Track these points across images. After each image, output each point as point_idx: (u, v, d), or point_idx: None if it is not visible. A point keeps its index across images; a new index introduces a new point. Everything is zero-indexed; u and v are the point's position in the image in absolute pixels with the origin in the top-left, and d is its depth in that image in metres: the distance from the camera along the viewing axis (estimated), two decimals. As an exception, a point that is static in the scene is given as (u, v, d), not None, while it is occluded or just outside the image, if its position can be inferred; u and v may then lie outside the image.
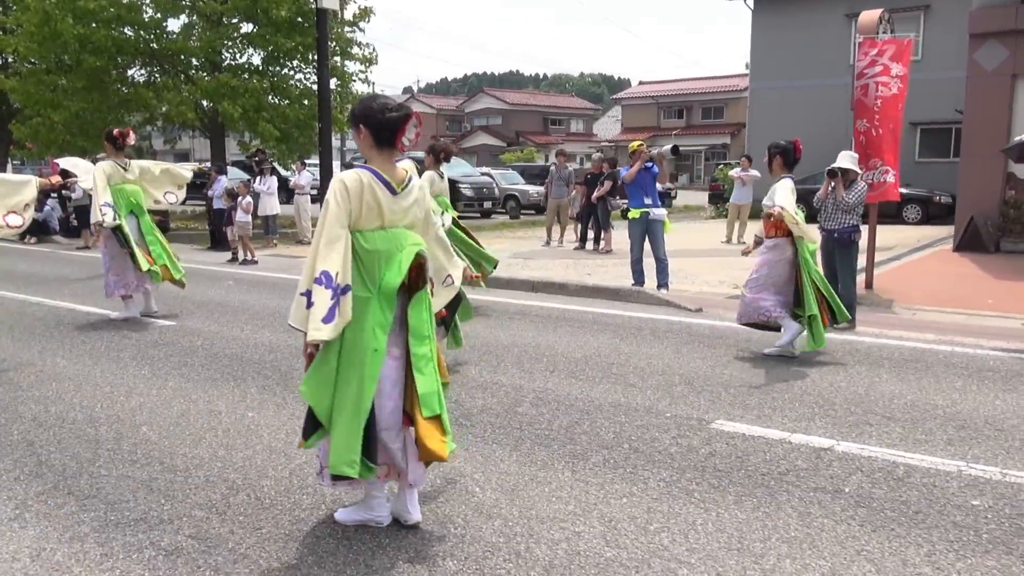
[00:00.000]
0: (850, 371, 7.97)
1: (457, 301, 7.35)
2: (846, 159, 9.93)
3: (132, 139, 10.20)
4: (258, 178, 19.44)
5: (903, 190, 26.64)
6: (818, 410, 6.68)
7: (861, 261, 11.54)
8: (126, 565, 4.05)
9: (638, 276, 12.54)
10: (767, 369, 8.05)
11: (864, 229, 10.55)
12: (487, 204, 30.45)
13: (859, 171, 9.97)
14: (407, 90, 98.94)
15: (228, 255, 17.21)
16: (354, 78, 25.69)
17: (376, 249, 4.13)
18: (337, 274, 3.94)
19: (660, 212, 12.35)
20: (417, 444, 4.21)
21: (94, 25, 22.91)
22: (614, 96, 76.41)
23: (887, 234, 21.03)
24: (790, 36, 30.69)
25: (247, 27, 25.12)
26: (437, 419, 4.21)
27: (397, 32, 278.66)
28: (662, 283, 12.28)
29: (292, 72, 26.00)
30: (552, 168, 21.02)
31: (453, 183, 28.75)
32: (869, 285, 12.55)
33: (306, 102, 24.60)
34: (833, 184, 9.79)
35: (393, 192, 4.16)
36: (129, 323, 10.15)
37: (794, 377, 7.73)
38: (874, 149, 11.79)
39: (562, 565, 4.06)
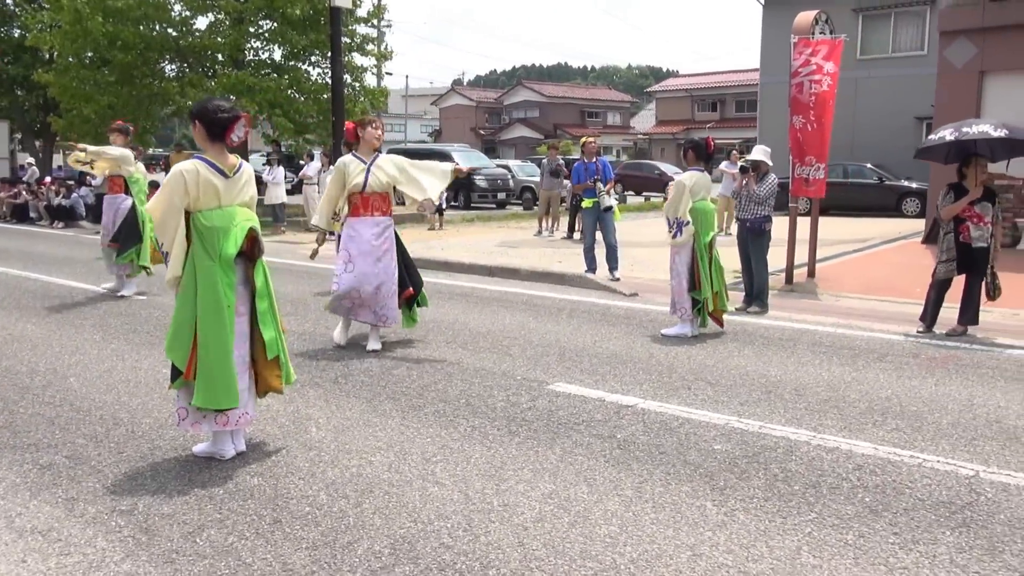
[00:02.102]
0: (718, 347, 8.90)
1: (420, 286, 8.67)
2: (759, 152, 10.86)
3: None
4: (267, 168, 20.61)
5: (904, 183, 27.43)
6: (655, 377, 7.63)
7: (803, 254, 12.82)
8: (3, 474, 5.20)
9: (590, 263, 13.56)
10: (644, 344, 9.00)
11: (810, 220, 11.37)
12: (500, 195, 31.41)
13: (770, 164, 10.83)
14: (456, 83, 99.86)
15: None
16: (369, 72, 26.60)
17: (214, 226, 5.21)
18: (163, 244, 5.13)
19: (610, 200, 13.36)
20: (258, 381, 5.42)
21: (123, 23, 24.41)
22: (648, 89, 76.86)
23: (873, 226, 21.79)
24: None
25: (268, 24, 26.39)
26: (276, 360, 5.42)
27: (444, 29, 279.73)
28: (612, 267, 13.29)
29: (309, 68, 27.15)
30: (544, 161, 21.92)
31: (468, 175, 29.99)
32: (811, 274, 13.41)
33: (325, 96, 25.56)
34: (746, 179, 10.66)
35: (225, 176, 5.27)
36: (118, 299, 11.40)
37: (661, 352, 8.68)
38: (809, 145, 12.63)
39: (340, 483, 5.07)
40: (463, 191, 30.62)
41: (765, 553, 4.25)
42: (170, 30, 25.68)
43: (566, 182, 20.65)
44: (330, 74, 22.87)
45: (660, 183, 41.82)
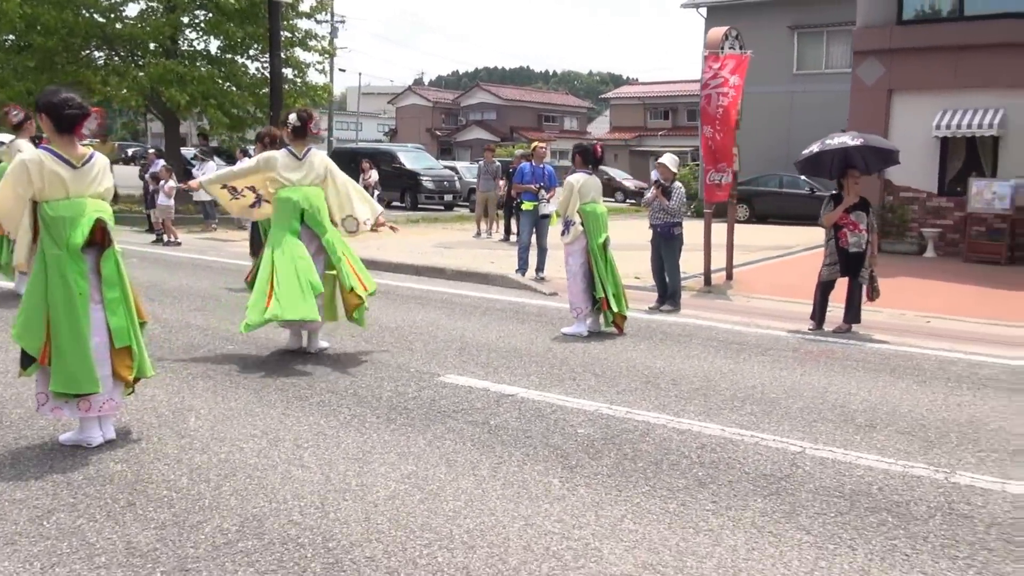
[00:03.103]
0: (615, 343, 9.41)
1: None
2: (667, 160, 11.41)
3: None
4: (197, 164, 20.55)
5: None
6: (546, 369, 8.11)
7: (720, 258, 13.53)
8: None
9: (522, 263, 14.07)
10: (546, 340, 9.49)
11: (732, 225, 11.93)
12: (448, 197, 31.82)
13: (675, 171, 11.39)
14: (417, 83, 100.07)
15: (164, 236, 18.54)
16: (312, 68, 26.71)
17: (60, 216, 5.40)
18: None
19: (549, 207, 13.90)
20: (112, 369, 5.66)
21: (43, 6, 23.23)
22: (602, 96, 77.51)
23: (800, 234, 22.39)
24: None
25: (203, 15, 26.02)
26: (127, 349, 5.65)
27: (408, 30, 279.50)
28: (539, 267, 13.81)
29: (248, 61, 27.01)
30: (480, 163, 22.33)
31: (414, 175, 30.47)
32: (729, 276, 14.02)
33: (264, 91, 25.18)
34: (657, 192, 11.21)
35: (73, 167, 5.31)
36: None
37: (559, 347, 9.18)
38: (720, 153, 13.20)
39: (205, 468, 5.37)
40: (409, 192, 30.98)
41: (592, 521, 4.73)
42: (97, 16, 24.80)
43: (501, 183, 21.01)
44: (269, 68, 22.74)
45: (610, 188, 42.48)
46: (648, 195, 11.45)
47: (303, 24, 26.42)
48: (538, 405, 6.88)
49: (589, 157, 9.89)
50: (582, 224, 9.55)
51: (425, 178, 30.98)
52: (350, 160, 27.91)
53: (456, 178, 32.48)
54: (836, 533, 4.63)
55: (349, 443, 5.89)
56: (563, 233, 9.68)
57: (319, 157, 8.24)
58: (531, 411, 6.71)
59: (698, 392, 7.37)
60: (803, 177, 28.38)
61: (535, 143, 15.97)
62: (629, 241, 18.99)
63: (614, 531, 4.57)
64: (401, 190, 30.98)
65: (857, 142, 10.14)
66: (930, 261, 17.90)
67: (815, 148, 10.41)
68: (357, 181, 21.71)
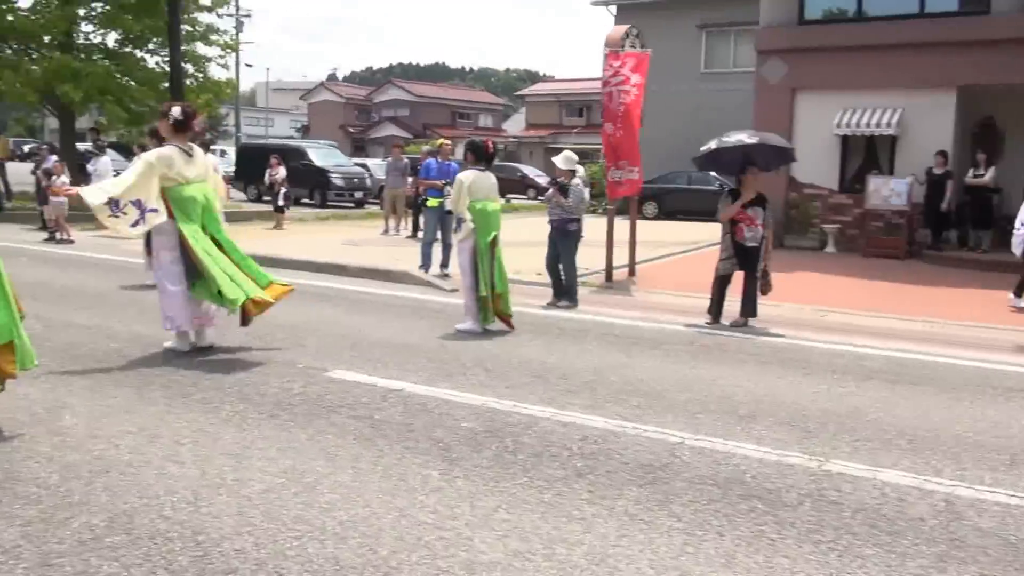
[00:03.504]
0: (510, 339, 9.46)
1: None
2: (562, 160, 11.48)
3: None
4: (91, 159, 20.05)
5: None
6: (437, 365, 8.08)
7: (622, 255, 13.56)
8: None
9: (426, 259, 14.02)
10: (441, 336, 9.48)
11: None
12: (358, 194, 31.61)
13: (574, 169, 11.46)
14: (331, 78, 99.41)
15: (57, 234, 18.11)
16: (213, 63, 26.23)
17: None
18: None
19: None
20: None
21: None
22: (518, 93, 77.74)
23: (708, 230, 22.49)
24: (649, 43, 32.44)
25: (100, 7, 25.31)
26: (9, 345, 5.56)
27: (323, 25, 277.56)
28: (443, 264, 13.79)
29: (147, 55, 26.38)
30: (389, 160, 22.22)
31: (324, 173, 30.22)
32: (632, 272, 14.13)
33: (164, 85, 24.52)
34: (555, 192, 11.26)
35: None
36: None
37: (453, 343, 9.21)
38: (621, 150, 13.31)
39: (78, 465, 5.26)
40: (319, 190, 30.70)
41: (466, 511, 4.73)
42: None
43: (410, 179, 20.95)
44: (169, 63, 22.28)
45: (522, 185, 42.64)
46: (549, 192, 11.49)
47: (204, 18, 25.97)
48: (424, 400, 6.86)
49: (481, 154, 9.88)
50: (472, 221, 9.50)
51: (335, 175, 30.73)
52: (258, 157, 27.64)
53: (367, 175, 32.25)
54: (706, 520, 4.69)
55: (228, 439, 5.81)
56: (455, 230, 9.65)
57: (200, 151, 8.10)
58: (417, 406, 6.69)
59: (587, 386, 7.41)
60: (712, 174, 28.78)
61: (441, 139, 15.97)
62: (540, 238, 19.06)
63: (487, 521, 4.58)
64: (310, 187, 30.67)
65: (754, 140, 10.35)
66: (830, 256, 18.30)
67: (712, 145, 10.57)
68: (264, 178, 21.69)
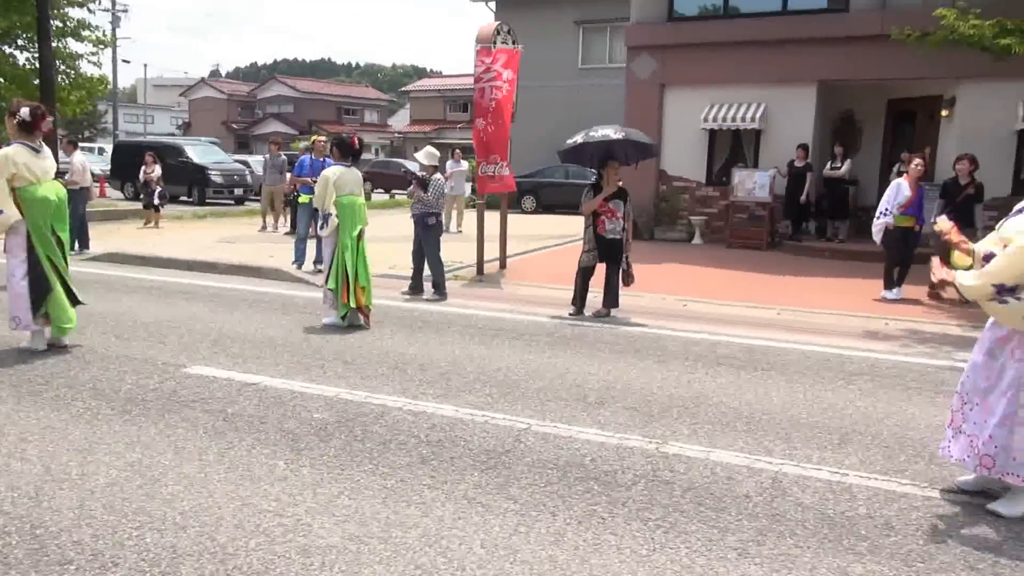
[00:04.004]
0: (374, 332, 9.55)
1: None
2: (424, 155, 11.60)
3: None
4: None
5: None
6: (297, 359, 8.16)
7: (494, 250, 13.84)
8: None
9: (299, 255, 14.01)
10: (305, 330, 9.55)
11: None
12: (238, 191, 31.22)
13: (436, 164, 11.60)
14: (214, 74, 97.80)
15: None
16: (85, 59, 25.60)
17: None
18: None
19: None
20: None
21: None
22: (403, 89, 77.58)
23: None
24: (527, 39, 32.76)
25: None
26: None
27: (204, 20, 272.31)
28: (317, 260, 13.78)
29: (16, 51, 25.70)
30: (266, 157, 22.03)
31: (202, 170, 29.75)
32: (503, 265, 14.32)
33: (36, 82, 24.14)
34: (415, 187, 11.38)
35: None
36: None
37: (317, 337, 9.26)
38: (492, 146, 13.45)
39: None
40: (197, 187, 30.24)
41: (308, 499, 4.84)
42: None
43: (288, 176, 20.81)
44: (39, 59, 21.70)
45: (406, 181, 42.39)
46: (410, 187, 11.62)
47: (76, 13, 25.25)
48: (279, 393, 6.93)
49: (347, 150, 9.97)
50: (338, 216, 9.57)
51: (213, 172, 30.28)
52: (134, 155, 27.04)
53: (247, 172, 31.84)
54: (542, 501, 4.88)
55: (77, 435, 5.82)
56: (321, 227, 9.71)
57: (48, 150, 8.02)
58: (271, 399, 6.75)
59: (443, 376, 7.55)
60: (591, 169, 29.22)
61: (314, 136, 15.93)
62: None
63: (328, 507, 4.70)
64: (188, 184, 30.17)
65: (619, 135, 10.57)
66: (697, 247, 18.79)
67: (579, 139, 10.79)
68: (139, 175, 21.31)
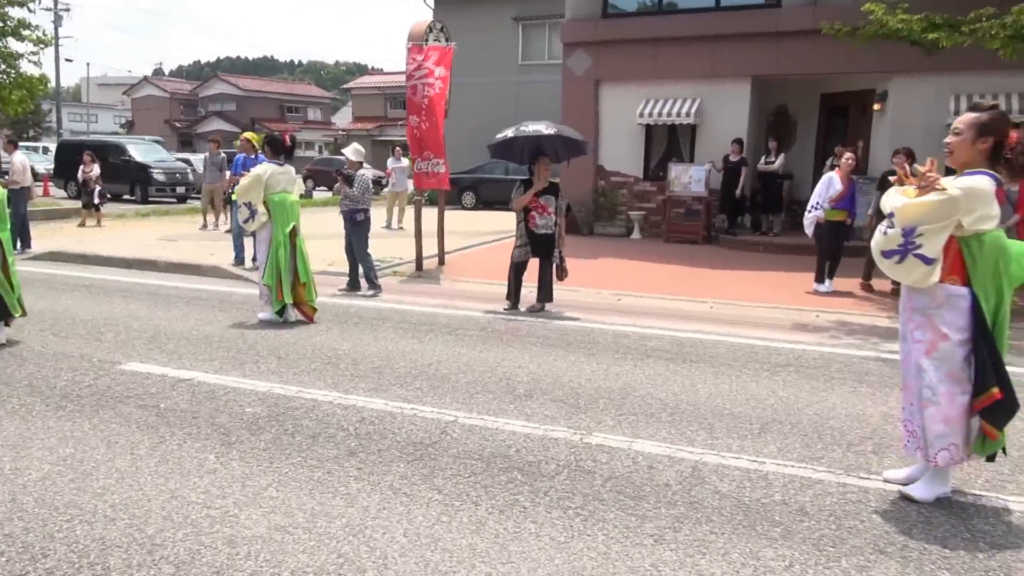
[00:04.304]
0: (309, 328, 9.65)
1: None
2: (350, 151, 11.72)
3: None
4: None
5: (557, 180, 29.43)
6: (232, 354, 8.25)
7: (431, 246, 14.01)
8: None
9: (238, 251, 14.07)
10: (241, 327, 9.63)
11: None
12: (180, 189, 31.07)
13: (362, 160, 11.74)
14: (157, 72, 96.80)
15: None
16: (26, 59, 25.39)
17: None
18: None
19: None
20: None
21: None
22: (344, 86, 77.35)
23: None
24: (467, 35, 32.92)
25: None
26: None
27: (146, 19, 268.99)
28: (256, 256, 13.80)
29: None
30: (206, 155, 21.98)
31: (144, 168, 29.56)
32: (441, 262, 14.47)
33: None
34: (340, 183, 11.50)
35: None
36: None
37: (252, 333, 9.34)
38: (426, 142, 13.59)
39: None
40: (140, 185, 30.08)
41: (236, 491, 4.96)
42: None
43: (228, 174, 20.74)
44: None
45: (332, 178, 42.42)
46: (337, 184, 11.73)
47: (15, 12, 25.03)
48: (213, 388, 7.03)
49: (278, 147, 10.08)
50: (267, 214, 9.66)
51: (156, 171, 30.18)
52: (77, 153, 26.79)
53: (189, 170, 31.71)
54: (465, 491, 5.03)
55: (11, 431, 5.90)
56: (246, 221, 9.79)
57: None
58: (204, 394, 6.86)
59: (375, 371, 7.69)
60: (523, 165, 29.44)
61: (244, 134, 15.95)
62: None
63: (256, 499, 4.82)
64: (131, 183, 30.04)
65: (551, 131, 10.74)
66: (636, 242, 19.05)
67: (509, 134, 10.95)
68: (78, 174, 21.14)
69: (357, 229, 11.67)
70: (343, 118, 75.49)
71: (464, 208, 29.13)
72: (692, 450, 5.83)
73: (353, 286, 11.84)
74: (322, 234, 17.32)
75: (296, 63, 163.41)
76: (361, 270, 11.88)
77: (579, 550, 4.32)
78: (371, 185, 11.83)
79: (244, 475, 5.18)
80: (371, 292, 11.67)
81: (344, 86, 77.19)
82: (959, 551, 4.40)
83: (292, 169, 10.04)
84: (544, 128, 10.65)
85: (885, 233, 4.84)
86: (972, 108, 4.89)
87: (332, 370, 7.67)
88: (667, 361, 8.35)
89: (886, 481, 5.31)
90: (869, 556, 4.33)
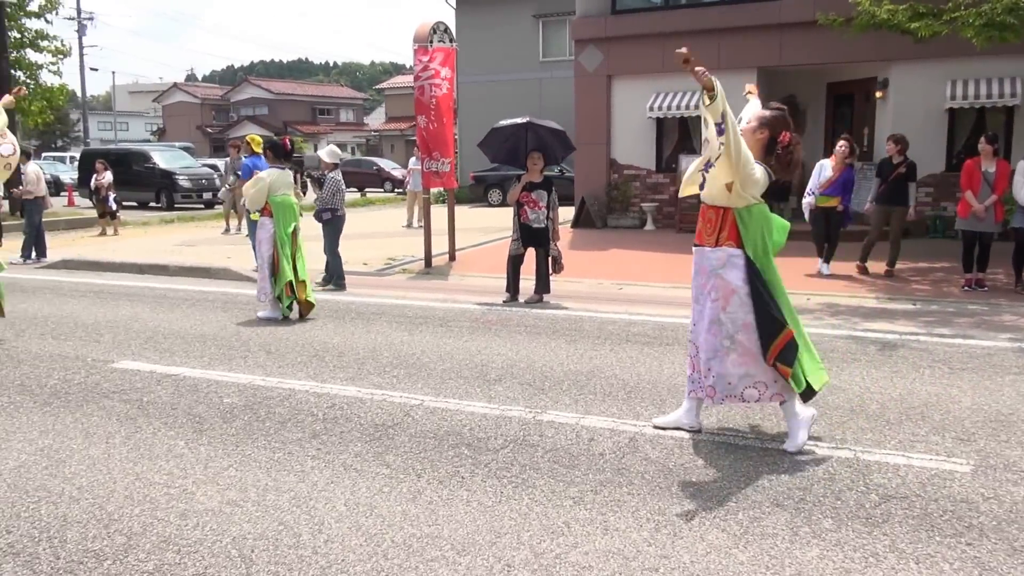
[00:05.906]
0: (306, 324, 9.98)
1: None
2: (325, 153, 12.13)
3: None
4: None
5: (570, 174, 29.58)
6: (224, 351, 8.56)
7: (445, 243, 14.39)
8: None
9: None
10: (238, 325, 9.94)
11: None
12: (207, 195, 31.61)
13: (337, 162, 12.16)
14: (190, 78, 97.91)
15: None
16: (45, 69, 25.88)
17: None
18: None
19: None
20: None
21: None
22: (377, 86, 77.88)
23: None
24: (488, 33, 33.30)
25: None
26: None
27: (176, 26, 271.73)
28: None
29: None
30: (227, 160, 22.37)
31: (169, 175, 30.13)
32: (452, 258, 14.77)
33: None
34: (312, 184, 11.90)
35: None
36: None
37: (248, 331, 9.67)
38: (434, 142, 13.90)
39: None
40: (165, 192, 30.65)
41: (198, 472, 5.27)
42: None
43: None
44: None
45: (378, 179, 43.05)
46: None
47: (33, 24, 25.54)
48: (196, 382, 7.35)
49: (280, 152, 10.43)
50: (270, 215, 10.03)
51: (181, 177, 30.75)
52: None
53: (216, 176, 32.22)
54: (411, 465, 5.32)
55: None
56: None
57: None
58: (187, 387, 7.18)
59: (358, 362, 7.99)
60: (501, 165, 29.66)
61: (247, 137, 16.28)
62: (384, 230, 19.48)
63: (215, 478, 5.13)
64: (156, 190, 30.62)
65: (524, 120, 11.07)
66: (649, 233, 19.25)
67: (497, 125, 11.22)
68: (91, 183, 21.60)
69: (326, 228, 12.10)
70: (377, 119, 76.03)
71: (491, 205, 29.39)
72: (635, 423, 6.08)
73: (329, 280, 12.19)
74: (367, 233, 17.62)
75: (331, 64, 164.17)
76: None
77: (502, 512, 4.60)
78: (342, 186, 12.16)
79: (208, 457, 5.50)
80: (332, 288, 11.99)
81: (377, 86, 77.65)
82: (849, 502, 4.65)
83: (291, 173, 10.35)
84: (520, 120, 10.90)
85: None
86: (767, 106, 5.70)
87: (316, 362, 7.97)
88: (643, 345, 8.58)
89: (655, 427, 5.89)
90: (765, 509, 4.60)
